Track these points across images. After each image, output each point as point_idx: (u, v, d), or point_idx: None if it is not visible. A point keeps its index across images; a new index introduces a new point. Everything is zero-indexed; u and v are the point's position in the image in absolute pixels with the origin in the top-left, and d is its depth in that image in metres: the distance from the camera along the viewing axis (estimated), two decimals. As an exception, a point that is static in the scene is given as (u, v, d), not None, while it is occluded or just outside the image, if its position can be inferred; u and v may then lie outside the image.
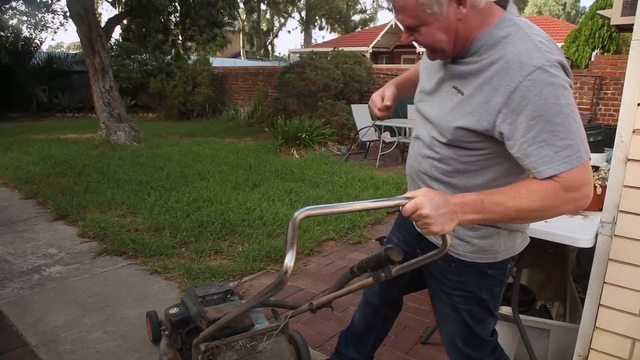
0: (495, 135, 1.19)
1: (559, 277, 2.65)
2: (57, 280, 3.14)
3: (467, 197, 1.13)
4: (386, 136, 7.99)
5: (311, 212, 0.98)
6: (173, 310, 2.10)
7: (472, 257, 1.40)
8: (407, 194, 1.12)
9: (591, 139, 2.74)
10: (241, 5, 13.78)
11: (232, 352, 1.72)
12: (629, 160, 1.63)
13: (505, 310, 2.15)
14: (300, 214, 0.97)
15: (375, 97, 1.64)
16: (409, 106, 8.51)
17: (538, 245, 1.98)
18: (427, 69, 1.43)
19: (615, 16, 4.17)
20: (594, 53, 10.28)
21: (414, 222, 1.14)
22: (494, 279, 1.45)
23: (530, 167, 1.14)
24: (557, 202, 1.12)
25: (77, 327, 2.56)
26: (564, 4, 38.25)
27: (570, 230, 1.87)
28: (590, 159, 1.13)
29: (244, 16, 30.83)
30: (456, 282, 1.45)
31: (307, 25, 33.66)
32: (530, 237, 1.86)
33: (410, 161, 1.51)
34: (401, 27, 1.27)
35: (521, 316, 2.19)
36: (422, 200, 1.09)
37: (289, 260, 0.96)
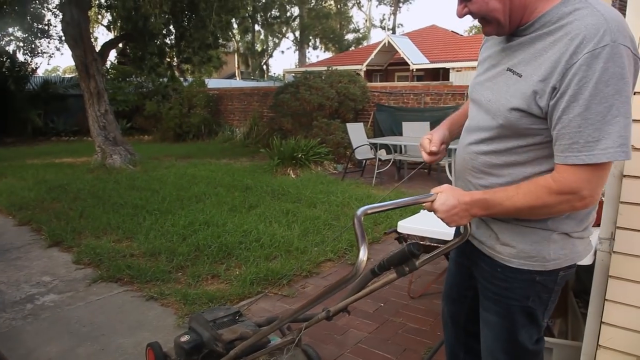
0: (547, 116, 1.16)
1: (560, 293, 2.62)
2: (51, 310, 3.09)
3: (475, 196, 1.26)
4: (382, 154, 8.00)
5: (370, 209, 1.17)
6: (184, 338, 2.08)
7: (518, 263, 1.31)
8: (433, 190, 1.30)
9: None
10: (235, 26, 13.90)
11: None
12: (624, 176, 1.63)
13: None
14: (361, 211, 1.13)
15: (423, 140, 1.55)
16: (404, 124, 8.54)
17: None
18: (485, 58, 1.39)
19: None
20: None
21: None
22: (543, 286, 1.33)
23: (557, 150, 1.13)
24: (550, 202, 1.17)
25: (71, 359, 2.51)
26: None
27: (568, 247, 1.85)
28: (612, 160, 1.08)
29: (238, 37, 31.13)
30: (501, 287, 1.36)
31: (301, 45, 33.98)
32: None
33: (458, 157, 1.46)
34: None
35: (523, 335, 2.16)
36: (436, 205, 1.26)
37: (363, 254, 1.10)
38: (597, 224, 1.76)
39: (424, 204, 1.29)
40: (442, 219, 1.27)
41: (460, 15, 1.23)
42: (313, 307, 1.45)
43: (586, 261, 1.79)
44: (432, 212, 1.29)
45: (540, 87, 1.13)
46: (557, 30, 1.12)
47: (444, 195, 1.26)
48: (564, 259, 1.29)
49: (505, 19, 1.18)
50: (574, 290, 2.63)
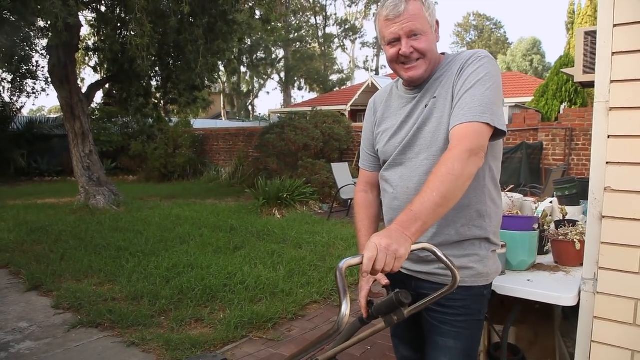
0: None
1: (548, 333, 2.61)
2: (27, 358, 2.97)
3: (400, 216, 1.21)
4: (367, 193, 8.03)
5: (351, 262, 1.08)
6: None
7: (471, 281, 1.49)
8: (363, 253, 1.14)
9: (566, 192, 2.80)
10: (221, 68, 14.11)
11: None
12: (604, 217, 1.66)
13: (495, 372, 2.10)
14: (344, 263, 1.07)
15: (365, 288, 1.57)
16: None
17: (523, 303, 1.96)
18: (384, 119, 1.63)
19: (577, 74, 4.36)
20: (562, 106, 10.67)
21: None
22: (487, 300, 1.57)
23: (453, 116, 1.38)
24: (459, 165, 1.26)
25: (46, 410, 2.41)
26: (531, 60, 40.13)
27: (552, 288, 1.86)
28: (493, 126, 1.35)
29: (224, 78, 31.59)
30: (460, 307, 1.49)
31: (286, 85, 34.59)
32: (514, 297, 1.86)
33: (401, 204, 1.50)
34: (402, 44, 1.42)
35: (511, 378, 2.13)
36: (366, 262, 1.10)
37: (345, 309, 1.01)
38: (581, 264, 1.78)
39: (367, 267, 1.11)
40: (388, 269, 1.11)
41: (408, 51, 1.42)
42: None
43: (571, 302, 1.80)
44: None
45: (450, 89, 1.44)
46: (451, 66, 1.48)
47: (370, 247, 1.11)
48: (497, 271, 1.59)
49: (431, 63, 1.47)
50: (561, 329, 2.63)
